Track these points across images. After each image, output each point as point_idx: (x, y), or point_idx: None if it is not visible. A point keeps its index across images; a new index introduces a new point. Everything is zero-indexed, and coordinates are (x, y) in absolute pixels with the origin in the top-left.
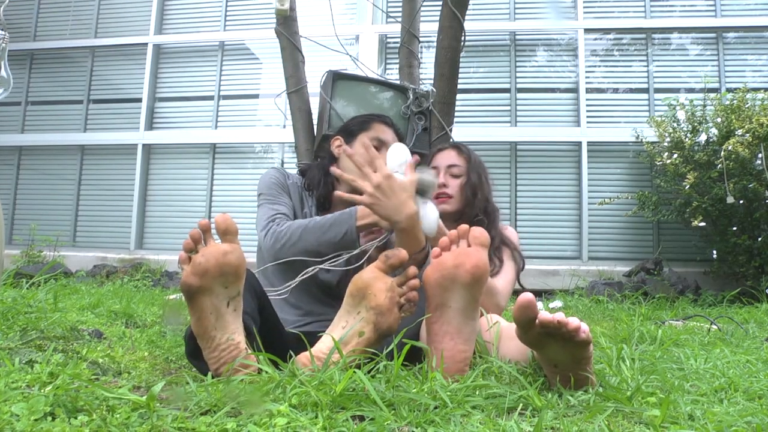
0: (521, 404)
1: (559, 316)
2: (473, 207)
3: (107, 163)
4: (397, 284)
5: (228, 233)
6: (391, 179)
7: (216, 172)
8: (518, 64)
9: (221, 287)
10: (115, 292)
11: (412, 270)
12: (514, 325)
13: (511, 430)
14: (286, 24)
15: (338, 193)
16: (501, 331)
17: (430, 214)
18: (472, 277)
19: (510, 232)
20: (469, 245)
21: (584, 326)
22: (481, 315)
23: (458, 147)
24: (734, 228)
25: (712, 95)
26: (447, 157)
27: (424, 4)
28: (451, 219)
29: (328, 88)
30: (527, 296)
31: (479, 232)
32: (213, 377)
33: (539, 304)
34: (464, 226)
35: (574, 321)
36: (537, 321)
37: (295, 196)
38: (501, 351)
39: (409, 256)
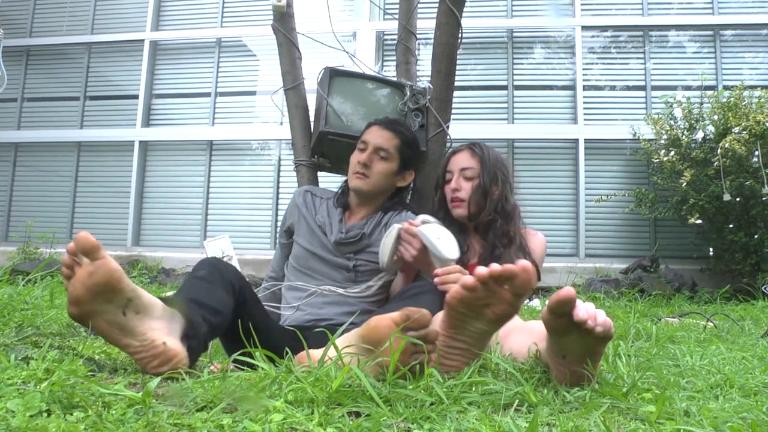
0: (517, 400)
1: (590, 310)
2: (485, 209)
3: (104, 159)
4: (412, 344)
5: (88, 252)
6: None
7: (213, 169)
8: (515, 61)
9: (104, 304)
10: None
11: (433, 333)
12: (520, 322)
13: (506, 426)
14: (283, 20)
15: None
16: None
17: (443, 239)
18: (498, 319)
19: (536, 242)
20: (510, 289)
21: (609, 322)
22: None
23: (472, 148)
24: (731, 225)
25: (709, 93)
26: (461, 160)
27: (422, 0)
28: (468, 219)
29: (325, 84)
30: (569, 291)
31: (527, 281)
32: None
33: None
34: (510, 269)
35: (603, 322)
36: (572, 316)
37: (306, 212)
38: (506, 345)
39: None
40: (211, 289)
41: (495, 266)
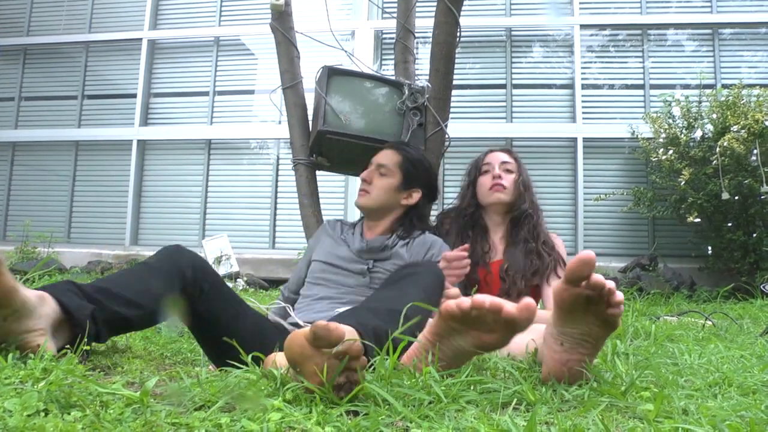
0: (515, 399)
1: (610, 283)
2: (524, 201)
3: (102, 158)
4: (337, 360)
5: None
6: None
7: (211, 168)
8: (514, 60)
9: None
10: None
11: (354, 350)
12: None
13: (505, 425)
14: (282, 19)
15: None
16: None
17: None
18: (483, 346)
19: (560, 244)
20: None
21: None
22: None
23: (509, 150)
24: (729, 224)
25: (708, 91)
26: (500, 156)
27: None
28: (504, 209)
29: (323, 83)
30: (590, 254)
31: (526, 321)
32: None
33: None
34: (511, 313)
35: (619, 294)
36: (589, 281)
37: (332, 232)
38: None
39: None
40: (144, 278)
41: (496, 301)
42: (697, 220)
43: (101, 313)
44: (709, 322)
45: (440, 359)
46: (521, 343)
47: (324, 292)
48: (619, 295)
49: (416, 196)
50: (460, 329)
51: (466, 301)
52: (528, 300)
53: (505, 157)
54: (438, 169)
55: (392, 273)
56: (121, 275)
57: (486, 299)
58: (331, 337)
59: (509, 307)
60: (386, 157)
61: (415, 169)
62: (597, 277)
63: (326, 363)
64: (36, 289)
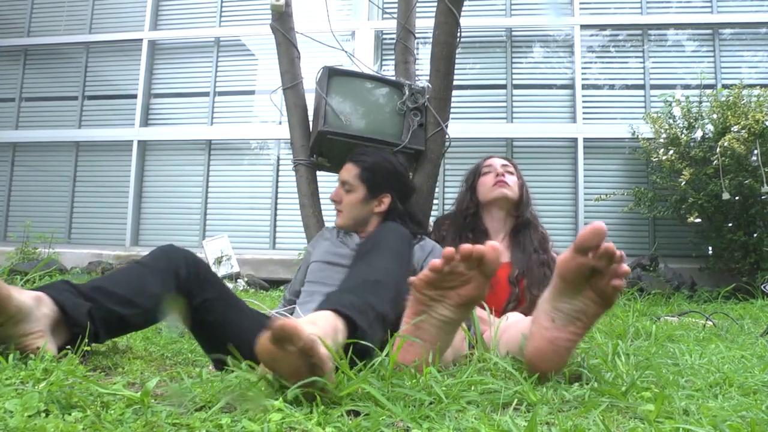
0: (516, 399)
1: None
2: (527, 206)
3: (102, 159)
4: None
5: None
6: None
7: (212, 169)
8: (514, 60)
9: None
10: None
11: (308, 345)
12: (521, 316)
13: (505, 425)
14: (282, 20)
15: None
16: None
17: None
18: (466, 303)
19: None
20: (478, 270)
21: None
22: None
23: (508, 158)
24: (730, 224)
25: (708, 91)
26: (500, 160)
27: None
28: (507, 207)
29: (323, 84)
30: (602, 224)
31: (495, 260)
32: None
33: None
34: (479, 249)
35: (625, 265)
36: (599, 249)
37: (329, 236)
38: (503, 337)
39: None
40: (140, 276)
41: (465, 246)
42: (698, 220)
43: (98, 311)
44: (710, 323)
45: (429, 339)
46: (518, 332)
47: (325, 290)
48: (626, 266)
49: (386, 201)
50: (437, 296)
51: (436, 261)
52: (491, 242)
53: (504, 161)
54: (404, 167)
55: (357, 249)
56: (116, 274)
57: (451, 250)
58: (289, 334)
59: (478, 246)
60: (347, 172)
61: (375, 175)
62: (608, 243)
63: (293, 362)
64: (33, 289)
